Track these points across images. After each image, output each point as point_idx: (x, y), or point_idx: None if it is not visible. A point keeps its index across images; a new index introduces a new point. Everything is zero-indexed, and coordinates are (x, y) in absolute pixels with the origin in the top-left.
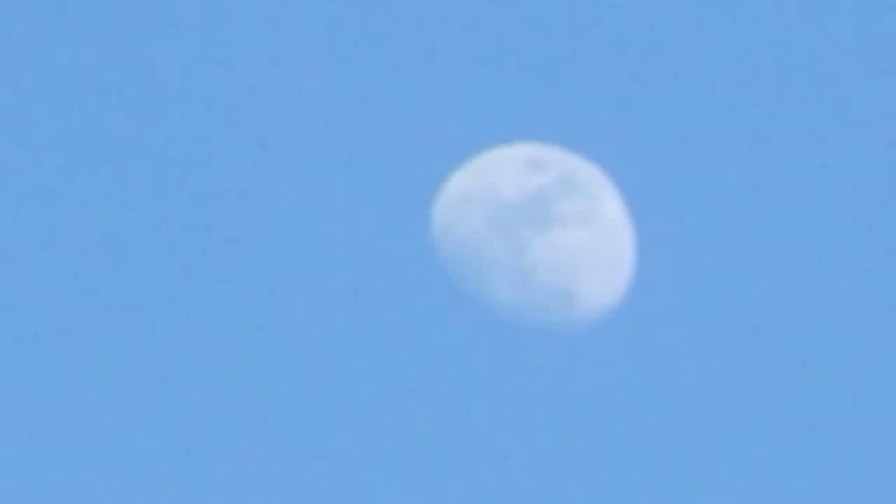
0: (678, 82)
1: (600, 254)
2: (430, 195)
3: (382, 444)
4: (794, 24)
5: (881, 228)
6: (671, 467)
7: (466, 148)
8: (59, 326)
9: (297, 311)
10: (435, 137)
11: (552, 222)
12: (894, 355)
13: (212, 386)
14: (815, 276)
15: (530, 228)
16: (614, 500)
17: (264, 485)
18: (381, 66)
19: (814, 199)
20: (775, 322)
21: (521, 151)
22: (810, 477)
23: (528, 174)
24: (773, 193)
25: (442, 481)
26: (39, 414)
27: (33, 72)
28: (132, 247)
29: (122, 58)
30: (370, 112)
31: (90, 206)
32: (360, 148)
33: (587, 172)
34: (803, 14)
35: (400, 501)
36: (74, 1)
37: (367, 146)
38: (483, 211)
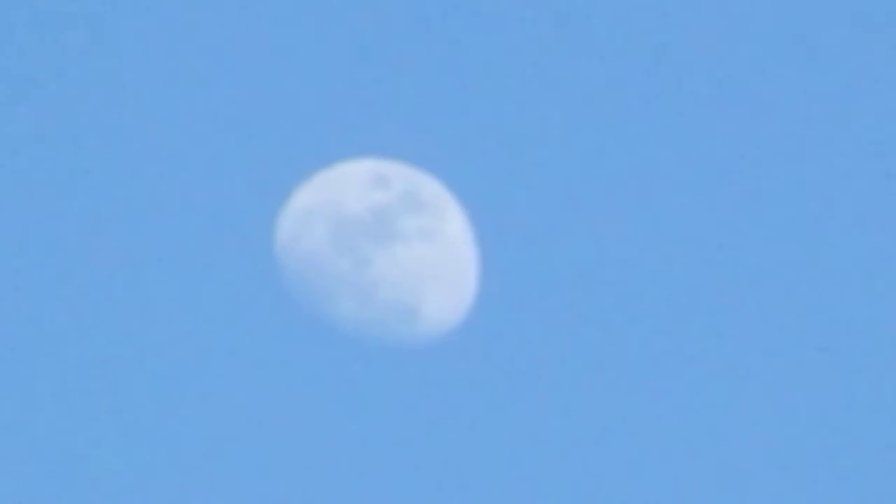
0: (522, 96)
1: (444, 270)
2: (274, 210)
3: (223, 464)
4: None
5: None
6: (514, 484)
7: (310, 163)
8: None
9: (136, 326)
10: (279, 152)
11: (396, 238)
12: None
13: (48, 398)
14: (659, 294)
15: (374, 244)
16: None
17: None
18: (225, 80)
19: (664, 212)
20: (619, 338)
21: (365, 167)
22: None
23: (372, 190)
24: (617, 208)
25: (286, 501)
26: None
27: None
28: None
29: None
30: (214, 125)
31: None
32: (203, 162)
33: (431, 188)
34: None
35: None
36: None
37: (210, 161)
38: (326, 226)
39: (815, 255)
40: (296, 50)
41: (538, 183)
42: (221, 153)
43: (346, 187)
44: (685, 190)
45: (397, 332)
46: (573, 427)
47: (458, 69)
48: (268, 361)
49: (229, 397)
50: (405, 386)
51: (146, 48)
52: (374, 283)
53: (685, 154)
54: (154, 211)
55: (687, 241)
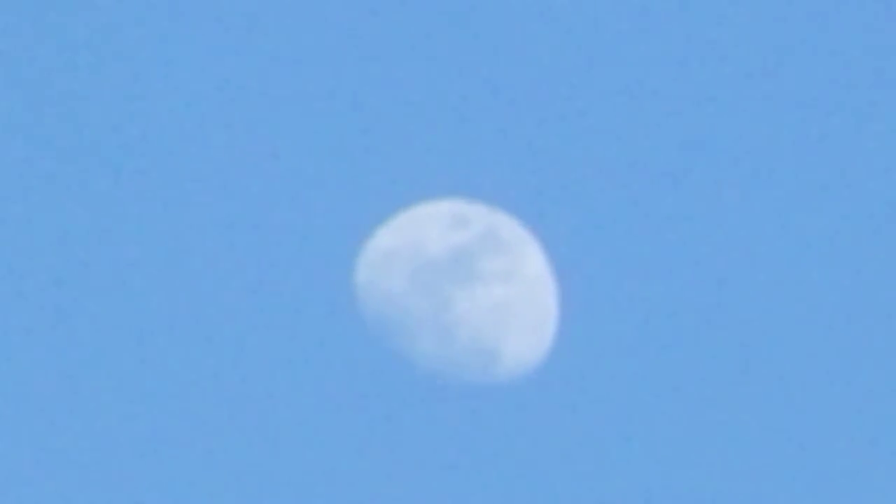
0: (601, 137)
1: (523, 311)
2: (354, 251)
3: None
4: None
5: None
6: None
7: (391, 204)
8: None
9: (217, 368)
10: (359, 193)
11: (475, 279)
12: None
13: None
14: (739, 335)
15: (454, 285)
16: None
17: None
18: (306, 119)
19: (741, 253)
20: (697, 381)
21: (444, 208)
22: None
23: (452, 230)
24: (697, 250)
25: None
26: None
27: None
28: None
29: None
30: (294, 166)
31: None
32: (283, 204)
33: (510, 228)
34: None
35: None
36: None
37: (290, 202)
38: (406, 267)
39: None
40: (374, 92)
41: (618, 222)
42: (302, 197)
43: (426, 228)
44: (769, 226)
45: (477, 372)
46: (652, 468)
47: (536, 109)
48: (348, 400)
49: (310, 434)
50: (484, 426)
51: (212, 82)
52: (453, 324)
53: (776, 190)
54: (236, 250)
55: (771, 278)
